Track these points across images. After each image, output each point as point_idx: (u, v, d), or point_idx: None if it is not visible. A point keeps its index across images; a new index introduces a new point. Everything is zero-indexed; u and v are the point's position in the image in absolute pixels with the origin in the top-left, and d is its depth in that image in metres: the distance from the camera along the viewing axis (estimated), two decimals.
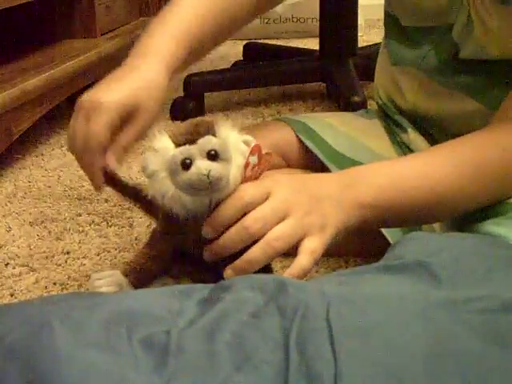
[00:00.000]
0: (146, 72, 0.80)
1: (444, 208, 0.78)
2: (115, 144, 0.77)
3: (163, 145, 0.68)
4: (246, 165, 0.68)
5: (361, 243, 0.96)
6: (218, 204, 0.68)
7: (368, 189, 0.73)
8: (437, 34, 0.93)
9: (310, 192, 0.71)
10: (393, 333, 0.48)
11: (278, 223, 0.68)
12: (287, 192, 0.70)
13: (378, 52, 1.15)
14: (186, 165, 0.66)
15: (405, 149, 1.03)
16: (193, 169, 0.65)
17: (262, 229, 0.67)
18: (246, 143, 0.69)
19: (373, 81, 1.19)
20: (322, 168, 0.99)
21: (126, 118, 0.77)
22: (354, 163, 0.97)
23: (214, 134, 0.67)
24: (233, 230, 0.68)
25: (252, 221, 0.67)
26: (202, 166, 0.65)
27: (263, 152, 0.70)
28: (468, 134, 0.80)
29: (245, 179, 0.69)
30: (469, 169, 0.77)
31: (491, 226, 0.75)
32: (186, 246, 0.73)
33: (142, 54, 0.83)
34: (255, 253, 0.67)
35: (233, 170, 0.68)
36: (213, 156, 0.66)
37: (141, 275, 0.73)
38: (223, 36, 0.94)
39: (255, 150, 0.69)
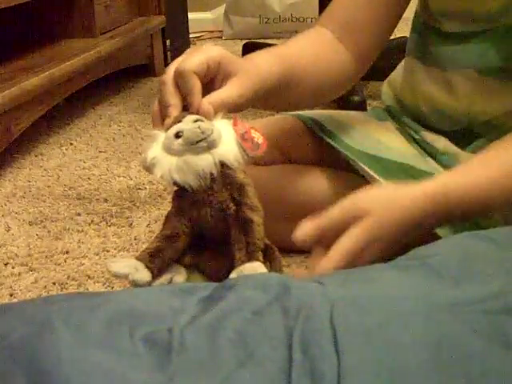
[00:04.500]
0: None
1: None
2: (208, 96, 0.75)
3: (156, 133, 0.73)
4: (236, 128, 0.73)
5: None
6: (222, 164, 0.71)
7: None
8: (494, 35, 0.91)
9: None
10: (396, 333, 0.48)
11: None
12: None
13: None
14: (179, 136, 0.71)
15: (425, 145, 1.02)
16: (185, 130, 0.71)
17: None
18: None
19: (372, 80, 1.16)
20: (331, 162, 0.99)
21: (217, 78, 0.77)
22: (377, 159, 0.97)
23: None
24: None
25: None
26: (191, 125, 0.71)
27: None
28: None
29: (245, 144, 0.73)
30: None
31: None
32: (203, 222, 0.74)
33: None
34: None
35: (222, 130, 0.72)
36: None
37: (156, 258, 0.73)
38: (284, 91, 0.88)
39: (236, 121, 0.74)
